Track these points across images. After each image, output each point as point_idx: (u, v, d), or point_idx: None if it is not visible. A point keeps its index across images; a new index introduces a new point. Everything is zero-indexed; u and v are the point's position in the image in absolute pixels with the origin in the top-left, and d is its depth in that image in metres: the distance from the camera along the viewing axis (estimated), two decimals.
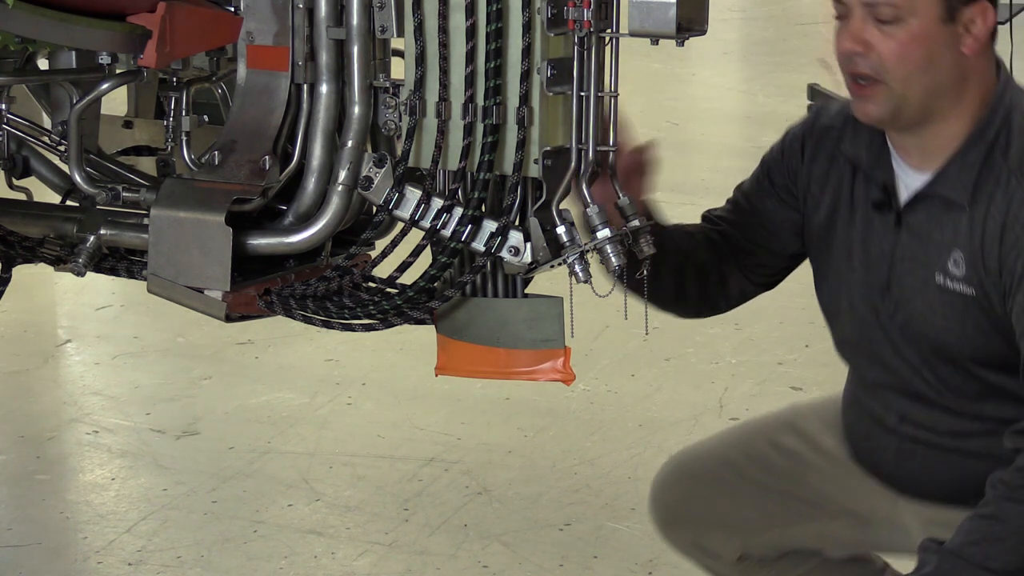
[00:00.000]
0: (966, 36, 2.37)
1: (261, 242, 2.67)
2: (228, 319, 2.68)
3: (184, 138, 2.77)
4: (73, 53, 2.86)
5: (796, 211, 2.62)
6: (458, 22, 2.46)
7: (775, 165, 2.65)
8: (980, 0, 2.36)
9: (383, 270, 2.66)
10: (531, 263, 2.49)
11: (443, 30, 2.46)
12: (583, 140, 2.45)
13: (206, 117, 2.86)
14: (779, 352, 4.85)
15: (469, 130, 2.48)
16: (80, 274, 2.80)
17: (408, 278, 2.62)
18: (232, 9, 2.67)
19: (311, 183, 2.65)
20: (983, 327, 2.42)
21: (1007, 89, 2.43)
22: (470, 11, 2.44)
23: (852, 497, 2.65)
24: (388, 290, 2.66)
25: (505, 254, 2.50)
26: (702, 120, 8.41)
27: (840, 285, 2.57)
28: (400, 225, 2.61)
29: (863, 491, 2.63)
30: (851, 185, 2.54)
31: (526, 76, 2.44)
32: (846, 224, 2.54)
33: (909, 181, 2.47)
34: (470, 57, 2.46)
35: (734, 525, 2.69)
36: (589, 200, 2.45)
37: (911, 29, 2.35)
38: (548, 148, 2.47)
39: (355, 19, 2.57)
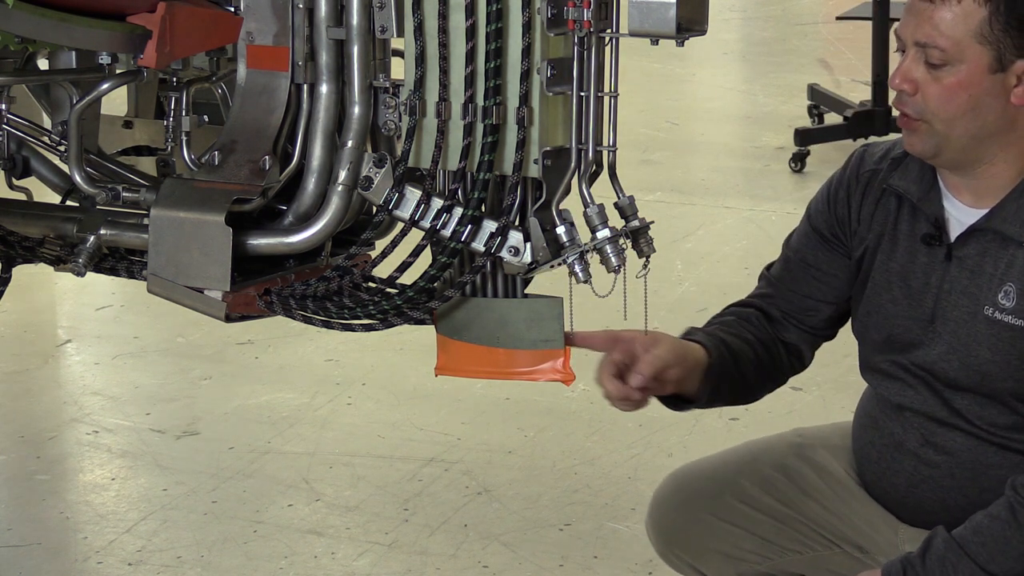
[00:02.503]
0: (1017, 87, 2.39)
1: (261, 242, 2.67)
2: (228, 319, 2.68)
3: (184, 138, 2.77)
4: (73, 53, 2.86)
5: (846, 256, 2.63)
6: (458, 22, 2.46)
7: (821, 217, 2.65)
8: None
9: (383, 270, 2.66)
10: (531, 263, 2.49)
11: (443, 30, 2.46)
12: (583, 140, 2.45)
13: (206, 117, 2.85)
14: None
15: (469, 130, 2.48)
16: (80, 274, 2.80)
17: (408, 278, 2.62)
18: (232, 9, 2.67)
19: (311, 183, 2.65)
20: None
21: None
22: (470, 11, 2.44)
23: (853, 525, 2.64)
24: (388, 290, 2.66)
25: (505, 254, 2.50)
26: (702, 120, 8.41)
27: (876, 316, 2.58)
28: (400, 225, 2.61)
29: (865, 518, 2.63)
30: (895, 219, 2.55)
31: (526, 76, 2.44)
32: (886, 257, 2.55)
33: (960, 216, 2.49)
34: (470, 57, 2.46)
35: (733, 553, 2.68)
36: (589, 200, 2.45)
37: (958, 75, 2.38)
38: (548, 148, 2.47)
39: (355, 19, 2.57)
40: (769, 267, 2.72)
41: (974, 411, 2.48)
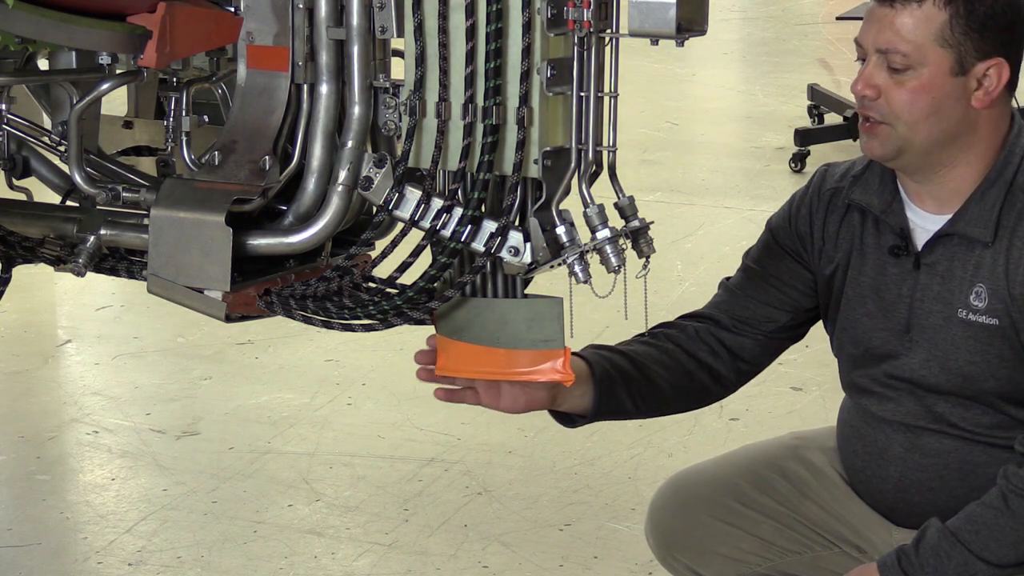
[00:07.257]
0: (978, 90, 2.42)
1: (261, 242, 2.67)
2: (228, 319, 2.68)
3: (184, 138, 2.76)
4: (73, 53, 2.86)
5: (807, 270, 2.67)
6: (458, 22, 2.46)
7: (783, 231, 2.69)
8: (995, 56, 2.40)
9: (383, 270, 2.66)
10: (531, 263, 2.49)
11: (443, 30, 2.46)
12: (583, 140, 2.45)
13: (206, 117, 2.85)
14: None
15: (469, 130, 2.48)
16: (80, 274, 2.80)
17: (408, 278, 2.62)
18: (232, 9, 2.67)
19: (311, 183, 2.65)
20: (1007, 358, 2.46)
21: (1022, 133, 2.49)
22: (470, 11, 2.44)
23: (850, 526, 2.66)
24: (388, 290, 2.66)
25: (505, 254, 2.50)
26: (702, 120, 8.41)
27: (853, 331, 2.60)
28: (400, 225, 2.61)
29: (861, 519, 2.65)
30: (861, 234, 2.58)
31: (526, 76, 2.43)
32: (857, 273, 2.58)
33: (925, 224, 2.52)
34: (470, 57, 2.46)
35: (733, 554, 2.69)
36: (589, 200, 2.45)
37: (921, 78, 2.40)
38: (548, 148, 2.47)
39: (355, 19, 2.57)
40: (728, 278, 2.76)
41: (958, 413, 2.50)
